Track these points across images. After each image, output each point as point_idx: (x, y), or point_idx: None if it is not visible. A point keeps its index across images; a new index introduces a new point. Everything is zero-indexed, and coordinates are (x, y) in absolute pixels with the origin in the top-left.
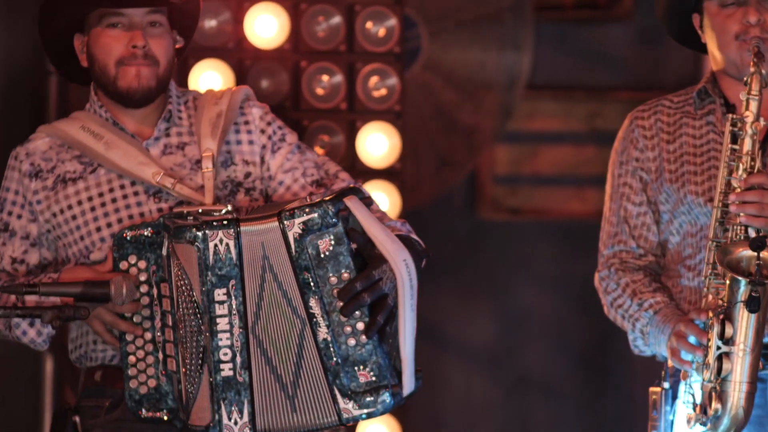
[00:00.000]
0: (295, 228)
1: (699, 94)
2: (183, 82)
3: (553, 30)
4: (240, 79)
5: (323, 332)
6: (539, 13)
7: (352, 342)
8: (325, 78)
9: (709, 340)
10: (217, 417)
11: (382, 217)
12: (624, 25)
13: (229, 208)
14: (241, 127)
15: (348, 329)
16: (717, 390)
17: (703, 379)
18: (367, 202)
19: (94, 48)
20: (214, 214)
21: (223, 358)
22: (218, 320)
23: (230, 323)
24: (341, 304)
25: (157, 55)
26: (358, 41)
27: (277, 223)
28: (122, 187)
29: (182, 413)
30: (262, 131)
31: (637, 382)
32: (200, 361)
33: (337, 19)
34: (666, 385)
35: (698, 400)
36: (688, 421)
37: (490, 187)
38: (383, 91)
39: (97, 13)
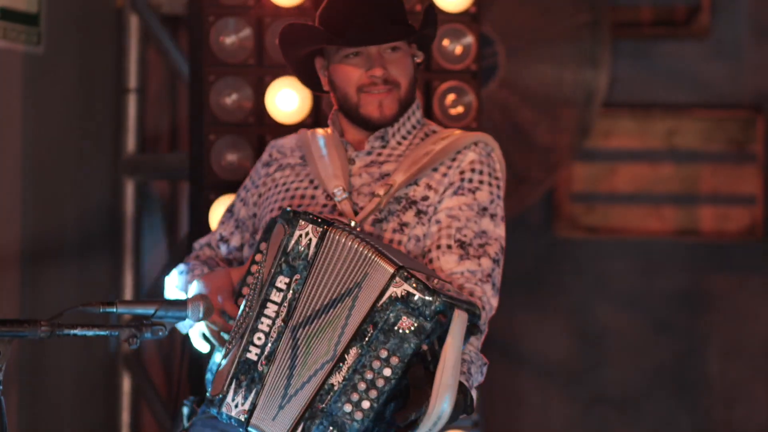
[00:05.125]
0: (399, 289)
1: None
2: (260, 101)
3: (630, 47)
4: (316, 100)
5: (336, 379)
6: (616, 30)
7: (348, 408)
8: None
9: None
10: (225, 392)
11: (470, 354)
12: (701, 42)
13: (352, 223)
14: (444, 164)
15: (355, 396)
16: None
17: None
18: (472, 330)
19: (334, 77)
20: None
21: (255, 341)
22: (269, 305)
23: (277, 313)
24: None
25: (398, 79)
26: (435, 59)
27: (391, 272)
28: (311, 181)
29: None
30: (461, 172)
31: (714, 399)
32: (239, 336)
33: None
34: None
35: None
36: None
37: (567, 205)
38: (460, 109)
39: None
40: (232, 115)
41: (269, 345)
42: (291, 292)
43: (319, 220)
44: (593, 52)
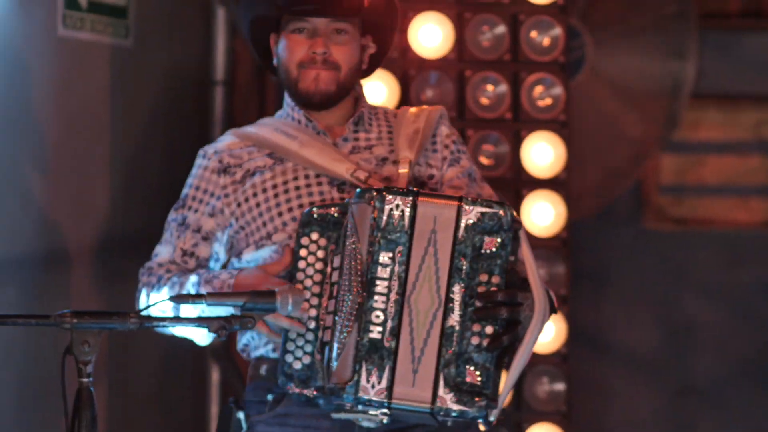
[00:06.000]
0: (471, 215)
1: None
2: None
3: (717, 38)
4: (404, 89)
5: (453, 319)
6: (703, 21)
7: (475, 341)
8: (489, 87)
9: None
10: (356, 377)
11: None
12: None
13: (414, 189)
14: (427, 140)
15: (477, 328)
16: None
17: None
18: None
19: (280, 50)
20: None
21: (374, 320)
22: (378, 282)
23: (389, 287)
24: (479, 304)
25: (339, 62)
26: (523, 50)
27: (456, 204)
28: (306, 176)
29: (325, 377)
30: (446, 146)
31: None
32: (352, 320)
33: (501, 29)
34: None
35: None
36: None
37: (655, 197)
38: (548, 101)
39: (287, 17)
40: None
41: (390, 321)
42: (397, 265)
43: (403, 190)
44: (680, 43)
